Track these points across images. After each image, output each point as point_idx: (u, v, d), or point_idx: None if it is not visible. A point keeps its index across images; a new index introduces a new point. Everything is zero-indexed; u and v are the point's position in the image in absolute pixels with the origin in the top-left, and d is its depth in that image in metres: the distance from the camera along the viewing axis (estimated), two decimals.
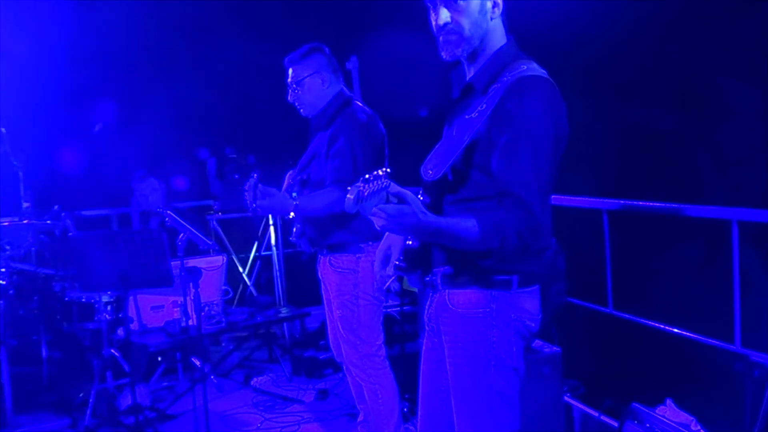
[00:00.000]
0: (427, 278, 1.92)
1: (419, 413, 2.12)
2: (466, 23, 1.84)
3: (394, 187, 1.64)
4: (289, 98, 3.10)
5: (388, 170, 1.63)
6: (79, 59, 5.15)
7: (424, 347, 2.09)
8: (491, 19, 1.86)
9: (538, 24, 3.63)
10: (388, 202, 1.64)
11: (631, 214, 3.38)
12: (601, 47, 3.61)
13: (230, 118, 5.87)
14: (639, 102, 3.56)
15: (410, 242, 1.86)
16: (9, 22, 4.90)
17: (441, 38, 1.88)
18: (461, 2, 1.83)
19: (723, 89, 3.08)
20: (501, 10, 1.87)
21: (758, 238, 2.78)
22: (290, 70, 3.07)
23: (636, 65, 3.57)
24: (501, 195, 1.74)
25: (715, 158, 3.18)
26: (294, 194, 3.02)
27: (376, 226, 1.67)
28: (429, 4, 1.90)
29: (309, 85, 3.03)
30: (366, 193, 1.60)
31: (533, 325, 1.89)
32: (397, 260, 1.98)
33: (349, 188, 1.63)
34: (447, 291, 1.90)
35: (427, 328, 2.03)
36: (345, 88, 3.11)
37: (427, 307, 2.03)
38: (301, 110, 3.12)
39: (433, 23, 1.89)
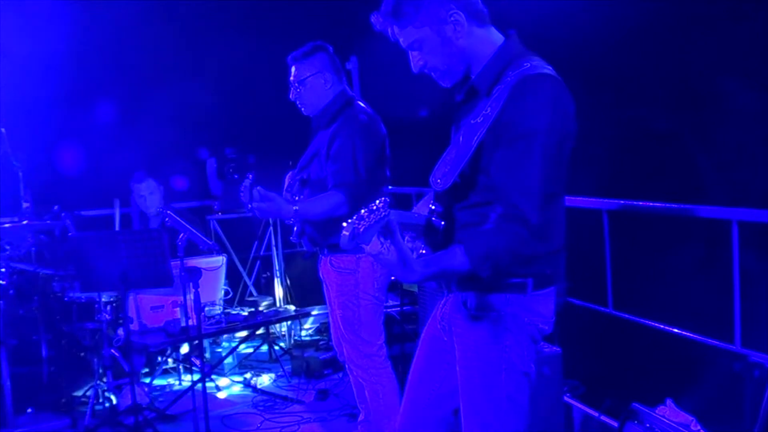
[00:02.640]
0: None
1: (404, 402, 2.10)
2: (436, 61, 1.84)
3: (394, 217, 1.61)
4: (290, 96, 3.10)
5: (387, 200, 1.60)
6: (78, 59, 5.15)
7: (424, 341, 2.08)
8: (458, 39, 1.80)
9: (537, 23, 3.62)
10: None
11: (631, 214, 3.38)
12: (601, 47, 3.61)
13: (230, 118, 5.87)
14: (639, 102, 3.56)
15: (423, 251, 1.85)
16: (9, 22, 4.90)
17: (431, 75, 1.89)
18: (422, 46, 1.82)
19: (723, 89, 3.08)
20: (466, 25, 1.80)
21: (758, 238, 2.77)
22: (293, 68, 3.06)
23: (635, 65, 3.57)
24: (497, 203, 1.71)
25: (715, 158, 3.18)
26: (296, 198, 3.02)
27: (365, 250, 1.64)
28: (404, 49, 1.90)
29: (311, 84, 3.02)
30: (362, 230, 1.58)
31: (546, 328, 1.87)
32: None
33: (344, 224, 1.60)
34: (461, 293, 1.89)
35: (439, 326, 2.02)
36: (347, 88, 3.11)
37: (441, 305, 2.02)
38: (303, 109, 3.11)
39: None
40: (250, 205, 2.82)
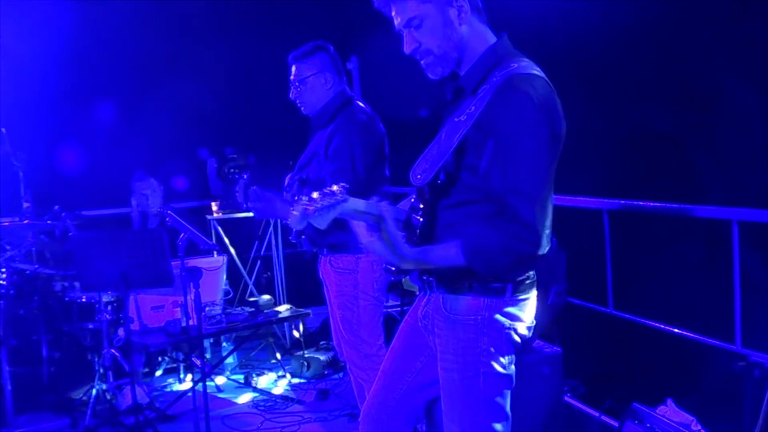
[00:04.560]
0: (425, 277, 1.92)
1: (374, 389, 2.10)
2: (432, 43, 1.81)
3: (359, 204, 1.62)
4: (290, 95, 3.10)
5: (345, 185, 1.60)
6: (79, 59, 5.15)
7: (402, 333, 2.08)
8: (460, 25, 1.79)
9: (537, 23, 3.63)
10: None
11: (631, 214, 3.39)
12: (601, 47, 3.61)
13: (230, 118, 5.86)
14: (639, 102, 3.56)
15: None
16: (9, 22, 4.90)
17: (421, 62, 1.86)
18: (422, 23, 1.79)
19: (723, 89, 3.07)
20: (469, 13, 1.79)
21: (758, 238, 2.78)
22: (293, 68, 3.06)
23: (636, 65, 3.57)
24: (496, 204, 1.71)
25: (715, 158, 3.18)
26: (295, 198, 3.02)
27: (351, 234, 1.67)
28: (397, 31, 1.87)
29: (311, 83, 3.02)
30: (312, 211, 1.57)
31: (527, 332, 1.87)
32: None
33: (294, 204, 1.60)
34: (442, 294, 1.89)
35: (420, 324, 2.03)
36: (347, 88, 3.11)
37: (423, 303, 2.02)
38: (302, 108, 3.12)
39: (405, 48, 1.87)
40: (245, 205, 2.82)
